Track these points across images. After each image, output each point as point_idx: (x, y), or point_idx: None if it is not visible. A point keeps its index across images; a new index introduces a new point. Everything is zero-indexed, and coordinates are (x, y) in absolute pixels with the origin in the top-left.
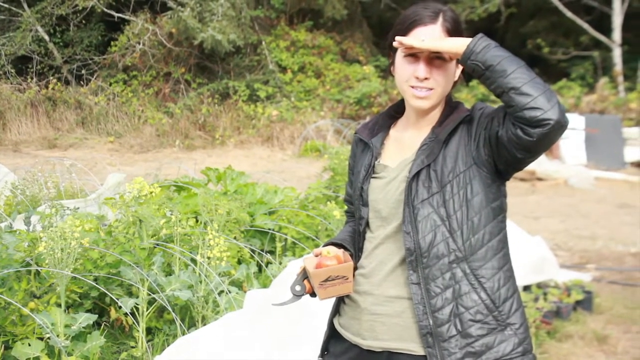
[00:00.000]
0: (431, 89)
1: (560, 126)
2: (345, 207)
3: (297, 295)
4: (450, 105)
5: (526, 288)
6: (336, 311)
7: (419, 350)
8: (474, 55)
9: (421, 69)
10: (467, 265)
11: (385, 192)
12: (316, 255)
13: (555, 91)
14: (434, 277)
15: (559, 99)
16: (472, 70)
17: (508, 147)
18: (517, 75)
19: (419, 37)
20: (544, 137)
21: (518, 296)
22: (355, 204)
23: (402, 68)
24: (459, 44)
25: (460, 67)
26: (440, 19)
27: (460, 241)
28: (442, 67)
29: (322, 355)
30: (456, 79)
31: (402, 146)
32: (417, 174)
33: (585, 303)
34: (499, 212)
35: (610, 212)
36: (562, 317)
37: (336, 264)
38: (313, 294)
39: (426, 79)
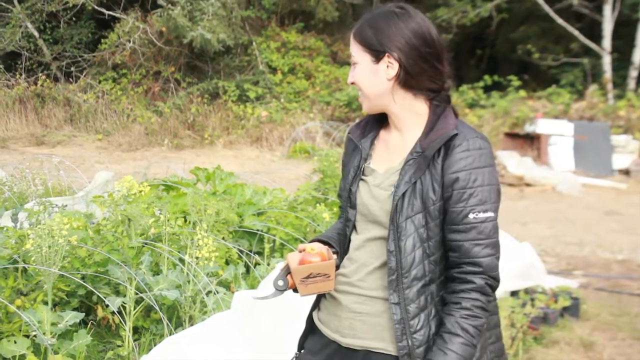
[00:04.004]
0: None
1: None
2: (340, 203)
3: (280, 290)
4: (435, 112)
5: (514, 293)
6: (316, 305)
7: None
8: None
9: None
10: (437, 288)
11: (371, 197)
12: (300, 251)
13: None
14: (413, 299)
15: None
16: None
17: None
18: None
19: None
20: None
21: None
22: (343, 205)
23: None
24: None
25: (394, 65)
26: (353, 34)
27: (433, 265)
28: (356, 69)
29: (299, 350)
30: (389, 77)
31: (389, 149)
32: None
33: (572, 309)
34: None
35: (598, 219)
36: (549, 323)
37: (320, 261)
38: (296, 290)
39: (353, 83)
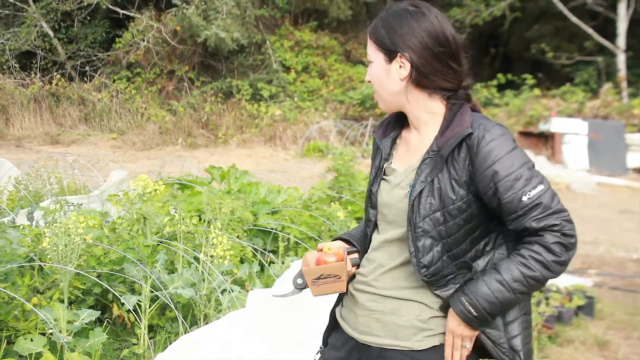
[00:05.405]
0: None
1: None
2: None
3: (298, 288)
4: (452, 109)
5: None
6: (339, 301)
7: (413, 346)
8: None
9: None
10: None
11: (391, 197)
12: (319, 250)
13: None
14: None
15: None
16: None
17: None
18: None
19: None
20: None
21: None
22: (365, 206)
23: None
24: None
25: (406, 65)
26: (369, 32)
27: (452, 259)
28: (371, 68)
29: (323, 345)
30: (402, 77)
31: (409, 149)
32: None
33: (587, 308)
34: (494, 228)
35: (612, 218)
36: (563, 321)
37: (335, 262)
38: None
39: (369, 81)
